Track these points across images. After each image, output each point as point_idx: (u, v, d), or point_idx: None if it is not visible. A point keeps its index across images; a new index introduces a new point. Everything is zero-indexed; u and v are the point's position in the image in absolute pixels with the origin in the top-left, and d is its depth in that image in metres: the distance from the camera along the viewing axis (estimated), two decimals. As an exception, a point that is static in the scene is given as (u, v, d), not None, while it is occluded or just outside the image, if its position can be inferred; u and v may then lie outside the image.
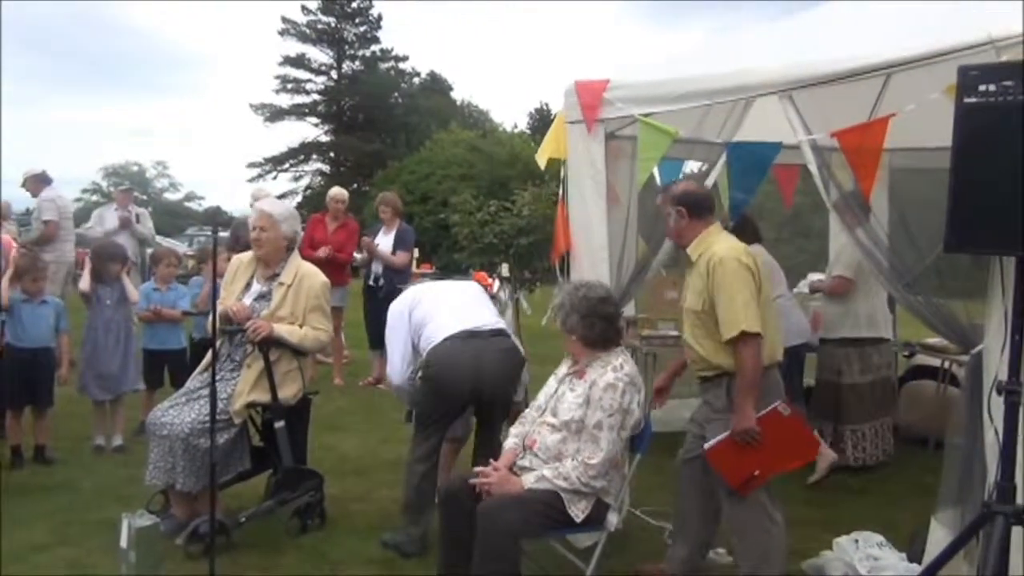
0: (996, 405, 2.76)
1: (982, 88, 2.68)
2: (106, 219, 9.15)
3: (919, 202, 5.08)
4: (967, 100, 2.70)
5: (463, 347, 4.12)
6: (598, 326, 3.48)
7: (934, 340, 5.88)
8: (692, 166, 5.36)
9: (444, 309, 4.33)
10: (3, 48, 75.77)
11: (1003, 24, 2.99)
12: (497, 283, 20.50)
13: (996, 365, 2.83)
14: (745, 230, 5.12)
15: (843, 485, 5.43)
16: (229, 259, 4.81)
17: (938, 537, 3.21)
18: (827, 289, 5.93)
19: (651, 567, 3.96)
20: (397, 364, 4.36)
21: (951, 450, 3.28)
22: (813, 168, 3.61)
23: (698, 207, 3.68)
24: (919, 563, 3.38)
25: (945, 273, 3.92)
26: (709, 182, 4.17)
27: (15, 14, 73.08)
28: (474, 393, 4.17)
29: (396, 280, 7.55)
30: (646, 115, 4.02)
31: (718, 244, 3.59)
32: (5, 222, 7.75)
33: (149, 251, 9.04)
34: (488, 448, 4.22)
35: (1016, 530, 2.63)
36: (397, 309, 4.42)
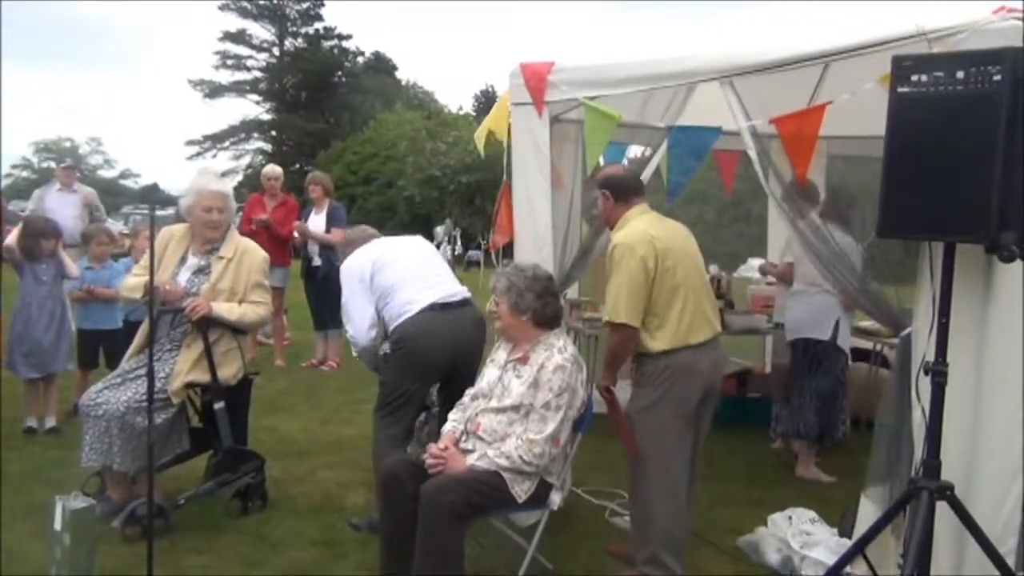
0: (924, 385, 2.87)
1: (914, 78, 2.77)
2: (46, 199, 8.85)
3: (854, 189, 5.22)
4: (900, 90, 2.79)
5: (438, 319, 4.04)
6: (552, 304, 3.52)
7: (867, 324, 6.03)
8: (635, 151, 5.44)
9: (411, 278, 4.18)
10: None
11: (935, 18, 3.09)
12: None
13: (924, 347, 2.93)
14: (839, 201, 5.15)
15: (781, 464, 5.57)
16: None
17: (867, 512, 3.33)
18: (779, 274, 6.02)
19: (619, 548, 3.99)
20: (362, 327, 4.18)
21: (881, 429, 3.40)
22: (753, 154, 3.69)
23: (622, 190, 3.71)
24: (849, 538, 3.50)
25: (878, 259, 4.03)
26: (651, 166, 4.22)
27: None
28: (449, 368, 4.10)
29: (332, 258, 7.51)
30: (591, 98, 4.06)
31: (625, 229, 3.62)
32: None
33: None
34: None
35: (940, 505, 2.74)
36: (354, 272, 4.22)
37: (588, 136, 4.10)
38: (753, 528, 4.13)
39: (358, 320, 4.18)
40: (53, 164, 47.50)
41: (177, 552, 3.89)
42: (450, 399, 4.23)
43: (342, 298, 4.27)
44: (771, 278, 6.62)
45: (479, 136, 4.86)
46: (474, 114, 50.50)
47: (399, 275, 4.17)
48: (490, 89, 53.83)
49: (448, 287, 4.24)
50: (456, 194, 35.47)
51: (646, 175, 4.13)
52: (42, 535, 3.81)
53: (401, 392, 4.07)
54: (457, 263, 30.87)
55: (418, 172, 37.77)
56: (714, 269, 6.77)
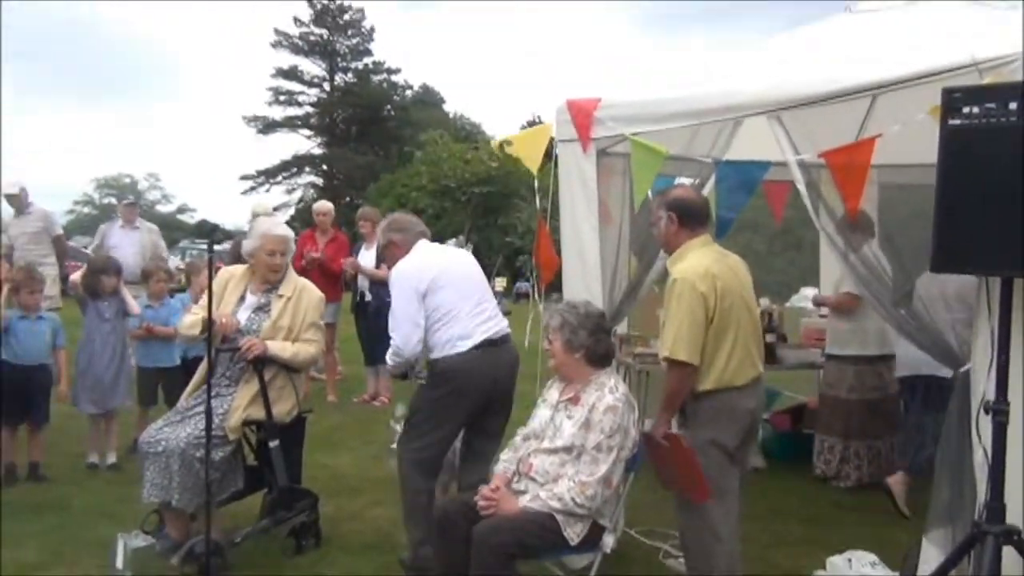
0: (984, 424, 2.80)
1: (966, 110, 2.74)
2: (109, 235, 8.94)
3: (906, 218, 5.14)
4: (951, 122, 2.76)
5: (483, 358, 4.08)
6: (604, 341, 3.53)
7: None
8: (683, 181, 5.43)
9: (465, 308, 4.14)
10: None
11: (986, 46, 3.04)
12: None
13: (983, 385, 2.86)
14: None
15: (837, 502, 5.45)
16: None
17: (930, 556, 3.24)
18: (834, 305, 5.93)
19: None
20: (412, 339, 4.08)
21: (941, 469, 3.31)
22: (802, 188, 3.66)
23: (690, 215, 3.64)
24: (911, 582, 3.40)
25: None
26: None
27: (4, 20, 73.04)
28: (484, 405, 4.15)
29: (384, 293, 7.56)
30: (636, 134, 4.07)
31: (686, 261, 3.56)
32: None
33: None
34: (484, 458, 4.18)
35: (1006, 550, 2.66)
36: (410, 280, 4.12)
37: (635, 171, 4.11)
38: (811, 570, 4.03)
39: (408, 330, 4.10)
40: (114, 200, 48.96)
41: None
42: (477, 432, 4.28)
43: (393, 303, 4.19)
44: (824, 310, 6.53)
45: (496, 143, 4.91)
46: (521, 144, 50.79)
47: (454, 302, 4.13)
48: (537, 120, 54.17)
49: (495, 322, 4.25)
50: (471, 206, 35.61)
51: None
52: (106, 571, 3.90)
53: (435, 423, 4.11)
54: (506, 294, 31.00)
55: (431, 183, 38.06)
56: (765, 303, 6.69)
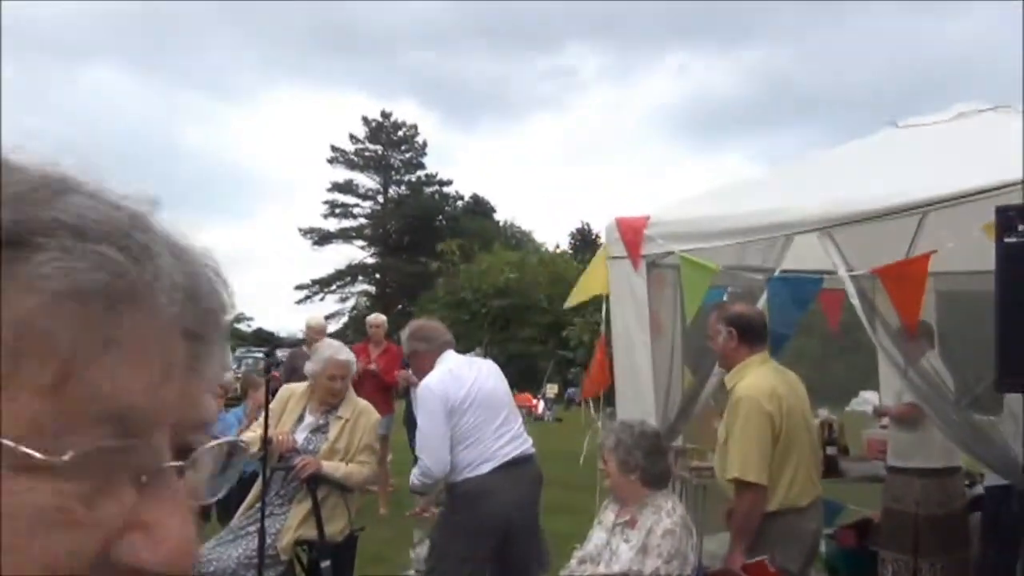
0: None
1: (1021, 227, 2.72)
2: None
3: (965, 326, 5.04)
4: (1007, 240, 2.74)
5: (504, 480, 3.96)
6: (660, 462, 3.47)
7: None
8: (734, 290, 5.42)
9: (490, 426, 4.04)
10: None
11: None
12: (542, 404, 20.65)
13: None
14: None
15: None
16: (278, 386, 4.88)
17: None
18: (896, 416, 5.77)
19: None
20: (442, 460, 3.92)
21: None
22: (856, 303, 3.64)
23: (750, 332, 3.62)
24: None
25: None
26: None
27: (77, 145, 77.38)
28: (504, 529, 3.98)
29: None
30: (686, 250, 4.11)
31: (748, 378, 3.53)
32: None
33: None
34: None
35: None
36: (439, 398, 3.98)
37: (686, 287, 4.14)
38: None
39: (439, 450, 3.95)
40: (174, 310, 50.23)
41: None
42: (504, 562, 4.04)
43: (419, 420, 4.08)
44: (885, 420, 6.35)
45: (578, 292, 4.92)
46: (571, 252, 51.38)
47: (480, 423, 4.03)
48: (586, 227, 54.87)
49: (519, 442, 4.15)
50: (488, 318, 35.74)
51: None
52: None
53: (460, 558, 3.93)
54: (557, 400, 30.78)
55: (447, 295, 38.25)
56: (824, 413, 6.54)
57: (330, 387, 4.47)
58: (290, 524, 4.27)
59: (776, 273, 4.36)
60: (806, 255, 4.26)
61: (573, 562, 3.59)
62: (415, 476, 4.10)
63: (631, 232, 4.33)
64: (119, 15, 78.31)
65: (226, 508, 6.00)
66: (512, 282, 37.31)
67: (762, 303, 4.28)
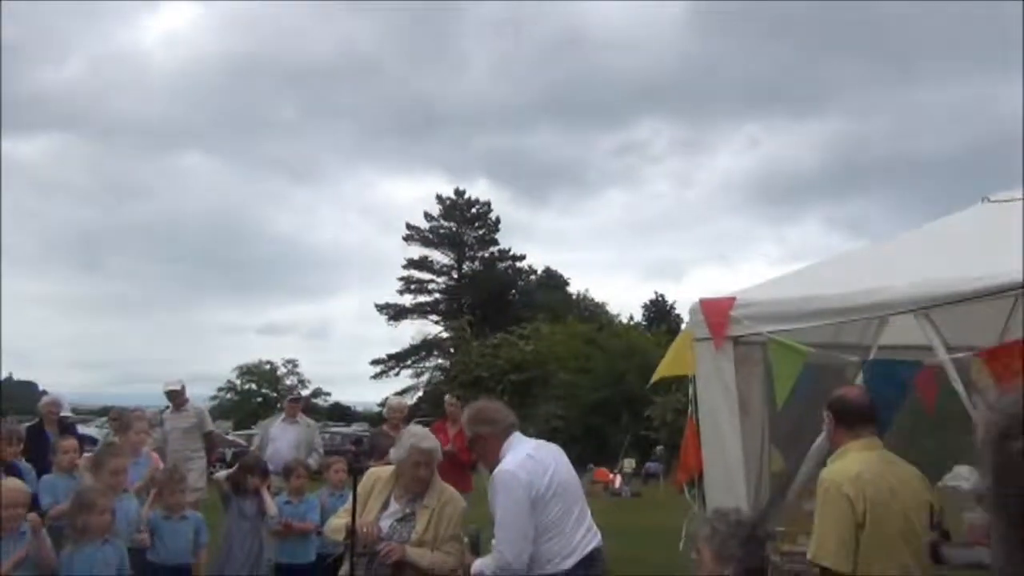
0: None
1: None
2: (271, 428, 9.13)
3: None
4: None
5: (585, 574, 3.83)
6: (757, 553, 3.33)
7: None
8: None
9: (570, 519, 3.88)
10: (153, 258, 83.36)
11: None
12: (619, 479, 20.32)
13: None
14: None
15: None
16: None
17: None
18: None
19: None
20: (523, 550, 3.64)
21: None
22: (958, 386, 3.51)
23: (846, 414, 3.51)
24: None
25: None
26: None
27: (165, 231, 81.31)
28: None
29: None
30: (775, 332, 4.04)
31: (839, 462, 3.47)
32: (150, 435, 8.11)
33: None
34: None
35: None
36: (523, 484, 3.72)
37: (776, 370, 4.05)
38: None
39: (519, 541, 3.65)
40: (254, 386, 51.33)
41: None
42: None
43: (498, 511, 3.73)
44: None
45: (663, 370, 4.86)
46: (644, 323, 50.99)
47: (563, 512, 3.83)
48: (660, 298, 54.52)
49: (593, 533, 4.01)
50: (505, 395, 35.35)
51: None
52: None
53: None
54: (635, 475, 30.22)
55: (462, 374, 37.83)
56: (924, 496, 6.25)
57: (415, 474, 4.43)
58: (374, 611, 4.23)
59: (873, 350, 4.23)
60: (904, 332, 4.14)
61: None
62: (487, 569, 3.76)
63: (716, 314, 4.27)
64: (206, 102, 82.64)
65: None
66: (529, 356, 37.00)
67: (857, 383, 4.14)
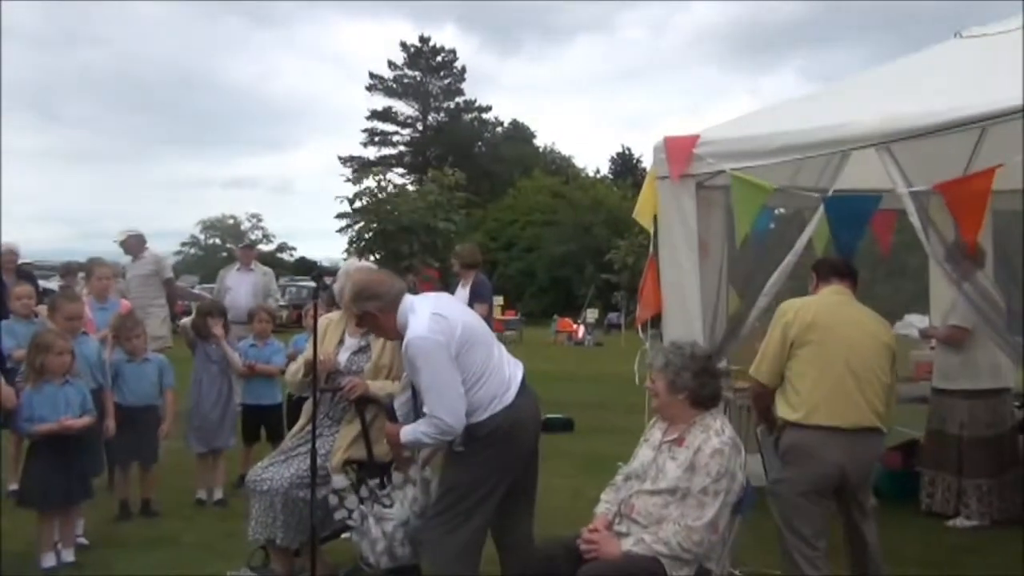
0: None
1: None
2: (227, 278, 9.31)
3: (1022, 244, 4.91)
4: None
5: (525, 404, 3.65)
6: (709, 385, 3.43)
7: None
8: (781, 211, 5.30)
9: (494, 357, 3.66)
10: (110, 108, 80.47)
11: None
12: (582, 329, 20.76)
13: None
14: None
15: (954, 544, 5.18)
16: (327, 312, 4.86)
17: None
18: (942, 338, 5.72)
19: None
20: (460, 411, 3.43)
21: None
22: (915, 220, 3.53)
23: (824, 270, 4.15)
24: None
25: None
26: (804, 236, 4.08)
27: (123, 79, 77.93)
28: (532, 452, 3.75)
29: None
30: (737, 169, 4.00)
31: (801, 299, 4.09)
32: (116, 281, 8.05)
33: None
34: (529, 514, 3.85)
35: None
36: (440, 344, 3.45)
37: (737, 207, 4.04)
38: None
39: (454, 402, 3.44)
40: (218, 240, 50.98)
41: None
42: (514, 496, 3.74)
43: (424, 378, 3.46)
44: (933, 342, 6.27)
45: (639, 216, 4.81)
46: (611, 177, 50.84)
47: (485, 355, 3.62)
48: (626, 151, 54.12)
49: (515, 363, 3.80)
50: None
51: (799, 245, 4.01)
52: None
53: (488, 489, 3.55)
54: (597, 325, 30.91)
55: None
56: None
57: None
58: (339, 445, 4.33)
59: (830, 193, 4.22)
60: (861, 175, 4.12)
61: (619, 478, 3.58)
62: (426, 437, 3.49)
63: (679, 151, 4.21)
64: (152, -58, 77.87)
65: (273, 429, 6.18)
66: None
67: (814, 224, 4.14)
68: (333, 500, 4.21)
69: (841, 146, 3.71)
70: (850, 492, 3.90)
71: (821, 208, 3.99)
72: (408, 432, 3.54)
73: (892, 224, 5.99)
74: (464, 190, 24.32)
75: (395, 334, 3.67)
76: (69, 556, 4.73)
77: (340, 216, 53.45)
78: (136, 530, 5.47)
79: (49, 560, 4.63)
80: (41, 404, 4.62)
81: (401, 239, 5.96)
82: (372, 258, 9.08)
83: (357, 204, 8.83)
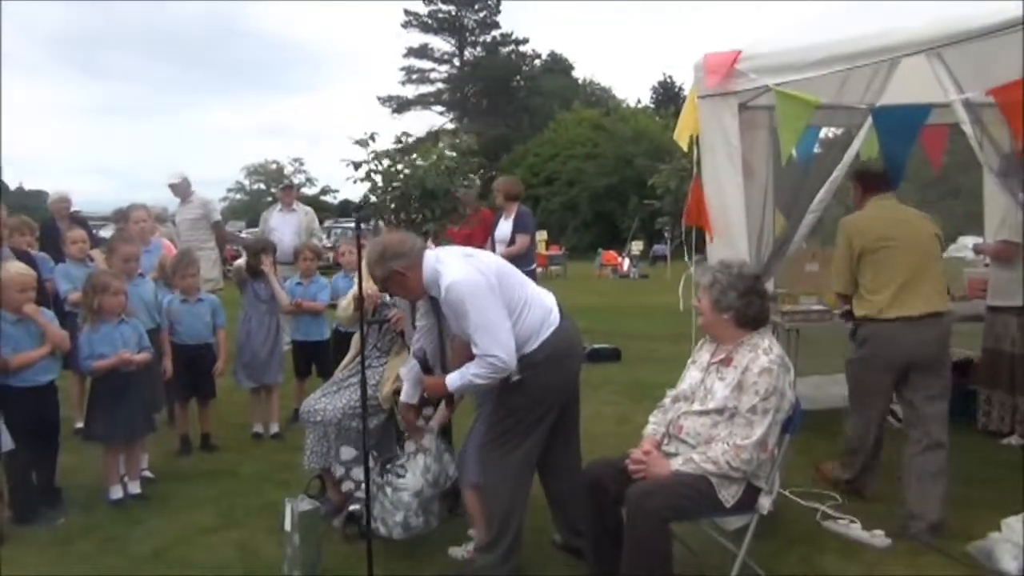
0: None
1: None
2: (270, 219, 9.47)
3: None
4: None
5: (572, 327, 3.72)
6: (755, 304, 3.39)
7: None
8: (827, 132, 5.18)
9: (529, 288, 3.71)
10: (147, 59, 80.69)
11: None
12: (627, 262, 20.60)
13: None
14: None
15: (1008, 461, 5.14)
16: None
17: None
18: (992, 253, 5.59)
19: (828, 468, 4.84)
20: (511, 347, 3.45)
21: None
22: (967, 128, 3.42)
23: (867, 180, 4.45)
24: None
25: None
26: (852, 150, 3.98)
27: (153, 27, 77.98)
28: (578, 375, 3.84)
29: (521, 266, 7.53)
30: (781, 84, 3.89)
31: (856, 214, 4.45)
32: (162, 226, 8.21)
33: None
34: (576, 440, 3.94)
35: None
36: (481, 289, 3.45)
37: (782, 124, 3.93)
38: (984, 533, 3.82)
39: (507, 339, 3.45)
40: (263, 186, 51.31)
41: (393, 548, 4.03)
42: (566, 416, 3.81)
43: (472, 320, 3.43)
44: (987, 259, 6.12)
45: (679, 137, 4.73)
46: (652, 107, 49.92)
47: (521, 284, 3.67)
48: (668, 80, 53.02)
49: (546, 291, 3.84)
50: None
51: (847, 159, 3.92)
52: (275, 533, 4.13)
53: (544, 410, 3.63)
54: (642, 258, 30.69)
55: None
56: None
57: None
58: (388, 375, 4.41)
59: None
60: (909, 89, 3.98)
61: (666, 400, 3.59)
62: (478, 379, 3.49)
63: (721, 67, 4.10)
64: None
65: (323, 364, 6.30)
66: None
67: (861, 137, 4.03)
68: (339, 471, 4.35)
69: (888, 54, 3.58)
70: (919, 377, 4.28)
71: (868, 121, 3.87)
72: (456, 378, 3.55)
73: (943, 140, 5.81)
74: (504, 126, 24.06)
75: (422, 291, 3.68)
76: (136, 488, 4.93)
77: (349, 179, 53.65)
78: (197, 463, 5.66)
79: (116, 492, 4.83)
80: (99, 342, 4.76)
81: (423, 204, 5.87)
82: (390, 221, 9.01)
83: (363, 170, 8.60)
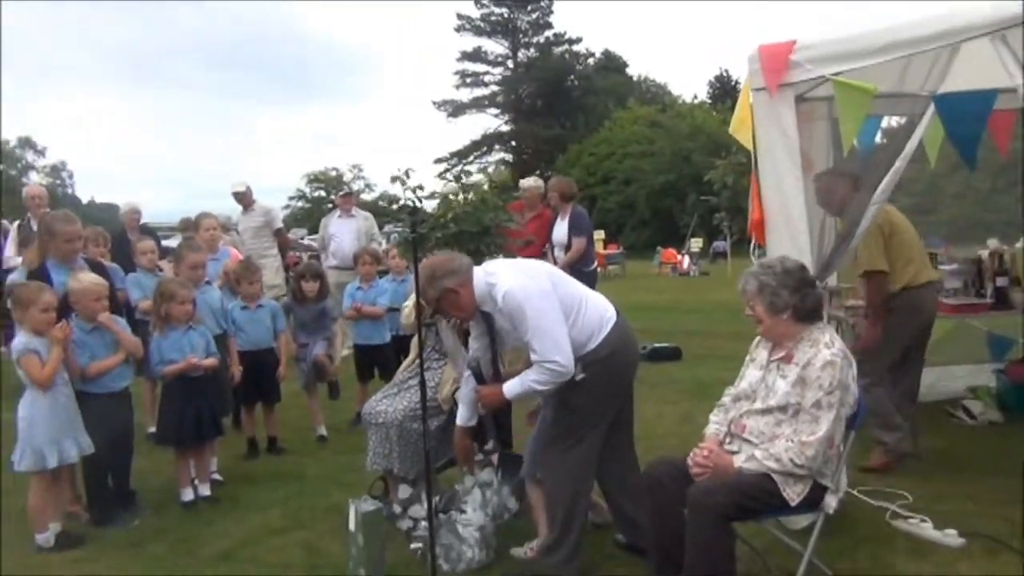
0: None
1: None
2: (330, 225, 9.56)
3: None
4: None
5: (625, 321, 3.77)
6: (811, 295, 3.32)
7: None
8: (888, 121, 5.06)
9: (581, 288, 3.77)
10: (198, 70, 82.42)
11: None
12: (687, 259, 20.40)
13: None
14: None
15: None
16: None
17: None
18: None
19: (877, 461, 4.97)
20: (570, 352, 3.49)
21: None
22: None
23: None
24: None
25: None
26: (915, 139, 3.87)
27: (202, 38, 79.66)
28: (634, 374, 3.88)
29: (580, 267, 7.54)
30: (838, 73, 3.81)
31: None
32: (226, 234, 8.40)
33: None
34: (631, 442, 3.98)
35: None
36: (538, 294, 3.50)
37: (842, 114, 3.85)
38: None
39: (564, 343, 3.48)
40: (323, 193, 52.14)
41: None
42: (621, 418, 3.84)
43: (531, 324, 3.45)
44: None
45: (735, 132, 4.66)
46: (709, 102, 49.35)
47: (574, 284, 3.74)
48: (724, 74, 52.36)
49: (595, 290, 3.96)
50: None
51: (909, 148, 3.82)
52: (340, 534, 4.19)
53: (604, 409, 3.70)
54: (702, 255, 30.35)
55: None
56: (993, 243, 6.16)
57: None
58: (447, 377, 4.45)
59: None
60: (972, 75, 3.86)
61: (726, 399, 3.54)
62: (538, 385, 3.53)
63: (775, 59, 4.02)
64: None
65: (384, 366, 6.38)
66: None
67: (923, 125, 3.90)
68: (397, 509, 4.39)
69: (949, 39, 3.48)
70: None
71: (931, 108, 3.76)
72: (515, 385, 3.59)
73: (1011, 126, 5.61)
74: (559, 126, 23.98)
75: (474, 308, 3.69)
76: (206, 490, 5.05)
77: (438, 161, 53.98)
78: (264, 466, 5.78)
79: (188, 494, 4.96)
80: (169, 349, 4.90)
81: (480, 240, 5.86)
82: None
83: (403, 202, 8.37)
